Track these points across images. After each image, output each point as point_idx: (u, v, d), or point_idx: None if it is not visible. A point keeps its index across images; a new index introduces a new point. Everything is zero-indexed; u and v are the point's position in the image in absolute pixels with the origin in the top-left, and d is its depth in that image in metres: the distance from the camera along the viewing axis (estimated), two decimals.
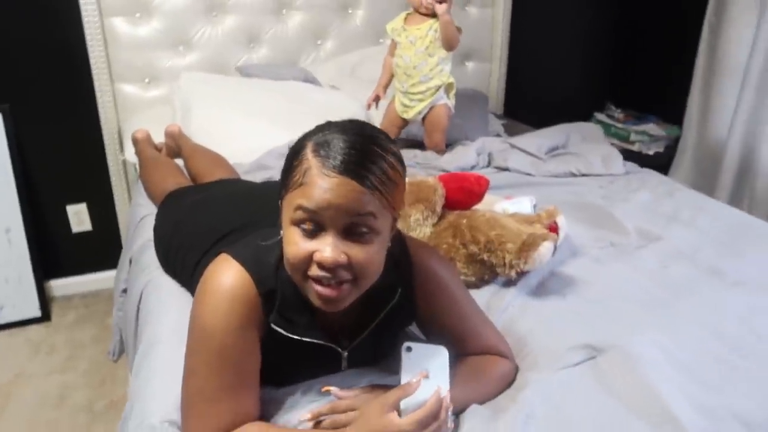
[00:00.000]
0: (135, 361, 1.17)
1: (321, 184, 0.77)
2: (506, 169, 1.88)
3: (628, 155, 2.73)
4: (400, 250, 0.94)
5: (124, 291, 1.59)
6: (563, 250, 1.37)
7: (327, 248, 0.78)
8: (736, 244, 1.43)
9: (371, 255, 0.80)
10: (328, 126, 0.83)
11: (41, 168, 2.30)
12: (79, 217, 2.45)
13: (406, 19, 2.03)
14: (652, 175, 1.91)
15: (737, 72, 2.50)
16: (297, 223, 0.79)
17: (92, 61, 2.18)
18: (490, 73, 2.82)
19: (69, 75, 2.22)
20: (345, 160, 0.77)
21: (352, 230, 0.79)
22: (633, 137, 2.87)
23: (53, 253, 2.42)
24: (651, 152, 2.88)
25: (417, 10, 1.96)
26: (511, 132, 2.39)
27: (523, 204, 1.53)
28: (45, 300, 2.35)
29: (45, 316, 2.34)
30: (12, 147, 2.19)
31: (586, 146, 2.02)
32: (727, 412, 0.90)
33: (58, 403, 1.93)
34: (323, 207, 0.77)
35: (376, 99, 2.13)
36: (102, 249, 2.47)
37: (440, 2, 1.84)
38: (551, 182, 1.82)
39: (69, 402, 1.94)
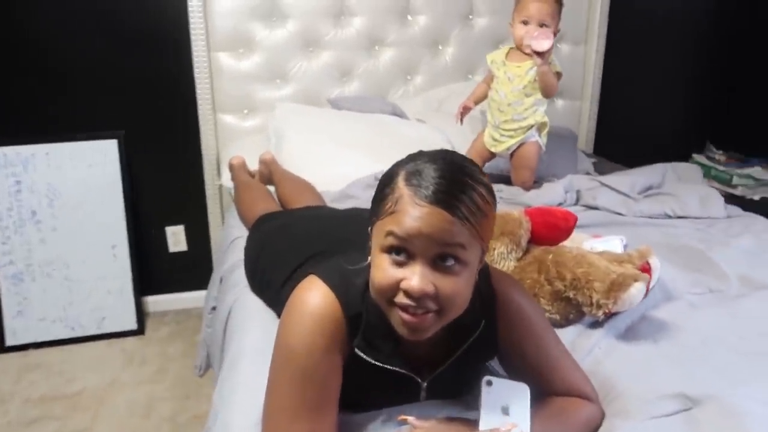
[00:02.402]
0: (220, 374, 1.22)
1: (412, 212, 0.78)
2: (595, 208, 1.82)
3: (730, 200, 2.58)
4: (484, 282, 0.93)
5: (214, 308, 1.66)
6: (656, 293, 1.30)
7: (415, 277, 0.78)
8: None
9: (459, 287, 0.80)
10: (420, 155, 0.85)
11: (146, 190, 2.47)
12: (176, 238, 2.59)
13: (507, 53, 2.02)
14: (756, 220, 1.79)
15: None
16: (387, 250, 0.81)
17: (198, 93, 2.34)
18: (581, 110, 2.77)
19: (176, 105, 2.39)
20: (436, 189, 0.78)
21: (440, 260, 0.79)
22: (735, 180, 2.72)
23: (151, 270, 2.57)
24: (756, 197, 2.70)
25: (519, 48, 1.95)
26: (601, 171, 2.32)
27: (612, 243, 1.48)
28: (141, 314, 2.49)
29: (140, 329, 2.48)
30: (124, 170, 2.38)
31: (682, 187, 1.93)
32: None
33: (146, 412, 2.02)
34: (413, 235, 0.78)
35: (465, 110, 2.12)
36: (195, 269, 2.59)
37: (539, 54, 1.81)
38: (643, 222, 1.74)
39: (155, 412, 2.02)
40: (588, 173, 2.24)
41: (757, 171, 2.74)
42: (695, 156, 2.96)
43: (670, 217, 1.79)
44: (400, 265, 0.80)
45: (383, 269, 0.80)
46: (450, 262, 0.79)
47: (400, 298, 0.80)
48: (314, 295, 0.88)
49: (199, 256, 2.59)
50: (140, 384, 2.17)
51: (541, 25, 1.84)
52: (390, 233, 0.79)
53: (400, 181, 0.81)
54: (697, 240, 1.62)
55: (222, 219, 2.51)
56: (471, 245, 0.80)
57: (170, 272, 2.62)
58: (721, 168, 2.79)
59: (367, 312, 0.88)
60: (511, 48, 2.02)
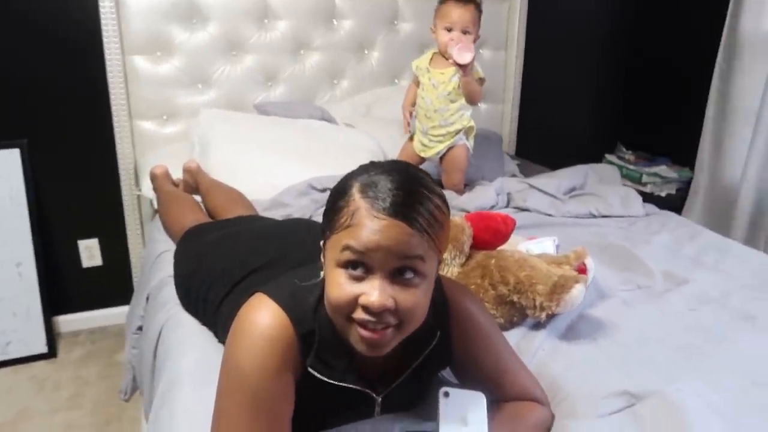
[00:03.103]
0: (154, 401, 1.14)
1: (370, 225, 0.75)
2: (526, 209, 1.87)
3: (641, 197, 2.74)
4: (437, 291, 0.92)
5: (140, 328, 1.56)
6: (590, 292, 1.35)
7: (375, 292, 0.76)
8: (765, 288, 1.41)
9: (418, 299, 0.78)
10: (372, 166, 0.82)
11: (55, 202, 2.30)
12: (90, 252, 2.43)
13: (431, 59, 2.03)
14: (671, 218, 1.91)
15: (749, 117, 2.53)
16: (343, 264, 0.78)
17: (112, 98, 2.19)
18: (503, 114, 2.85)
19: (88, 111, 2.24)
20: (394, 201, 0.75)
21: (399, 274, 0.77)
22: (645, 179, 2.88)
23: (62, 287, 2.40)
24: (663, 194, 2.89)
25: (442, 54, 1.96)
26: (525, 172, 2.39)
27: (545, 244, 1.52)
28: (52, 336, 2.31)
29: (51, 353, 2.30)
30: (28, 181, 2.19)
31: (604, 187, 2.03)
32: None
33: None
34: (372, 249, 0.75)
35: (411, 114, 2.12)
36: (112, 284, 2.45)
37: (461, 66, 1.83)
38: (571, 223, 1.81)
39: None
40: (514, 175, 2.30)
41: (663, 169, 2.92)
42: (607, 156, 3.12)
43: (594, 216, 1.86)
44: (357, 279, 0.77)
45: (340, 285, 0.77)
46: (409, 275, 0.77)
47: (359, 314, 0.77)
48: (264, 315, 0.83)
49: (116, 271, 2.44)
50: (54, 412, 2.01)
51: (464, 32, 1.87)
52: (347, 247, 0.76)
53: (356, 194, 0.78)
54: (621, 238, 1.70)
55: (142, 231, 2.37)
56: (429, 257, 0.78)
57: (84, 289, 2.45)
58: (632, 167, 2.95)
59: (319, 329, 0.85)
60: (434, 53, 2.03)
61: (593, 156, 2.99)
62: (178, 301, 1.37)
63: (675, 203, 2.86)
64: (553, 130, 3.05)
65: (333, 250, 0.79)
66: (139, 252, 2.37)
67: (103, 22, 2.11)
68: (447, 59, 1.92)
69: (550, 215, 1.84)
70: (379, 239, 0.75)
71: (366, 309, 0.76)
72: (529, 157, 2.73)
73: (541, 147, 2.95)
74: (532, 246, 1.49)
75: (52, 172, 2.27)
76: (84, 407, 2.04)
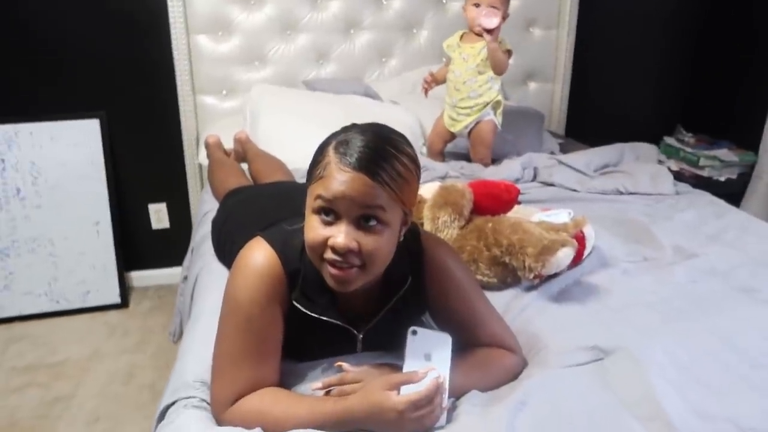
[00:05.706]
0: (185, 333, 1.31)
1: (338, 177, 0.87)
2: (551, 185, 1.91)
3: (698, 180, 2.66)
4: (415, 243, 1.02)
5: (186, 278, 1.75)
6: (592, 260, 1.39)
7: (340, 235, 0.87)
8: None
9: (379, 244, 0.89)
10: (352, 127, 0.93)
11: (129, 169, 2.55)
12: (158, 215, 2.67)
13: (462, 36, 2.11)
14: (702, 196, 1.88)
15: None
16: (317, 211, 0.89)
17: (177, 74, 2.41)
18: (553, 93, 2.84)
19: (156, 86, 2.46)
20: (360, 157, 0.86)
21: (364, 221, 0.88)
22: (702, 162, 2.79)
23: (134, 246, 2.65)
24: (722, 178, 2.79)
25: (471, 30, 2.04)
26: (566, 151, 2.38)
27: (560, 216, 1.56)
28: (124, 289, 2.58)
29: (123, 303, 2.57)
30: (106, 148, 2.45)
31: (636, 165, 2.01)
32: (725, 417, 0.91)
33: (127, 380, 2.12)
34: (338, 197, 0.86)
35: (429, 79, 2.19)
36: (177, 246, 2.63)
37: (488, 31, 1.91)
38: (596, 198, 1.82)
39: (136, 380, 2.12)
40: (552, 152, 2.31)
41: (723, 153, 2.81)
42: (666, 138, 3.04)
43: (621, 193, 1.87)
44: (328, 224, 0.89)
45: (314, 228, 0.90)
46: (372, 222, 0.88)
47: (329, 254, 0.89)
48: (258, 254, 0.97)
49: (181, 233, 2.64)
50: (122, 354, 2.26)
51: (492, 8, 1.92)
52: (319, 196, 0.88)
53: (330, 150, 0.90)
54: (643, 214, 1.71)
55: None
56: (391, 207, 0.89)
57: (153, 248, 2.70)
58: (689, 150, 2.86)
59: (304, 268, 0.97)
60: (464, 32, 2.11)
61: (651, 137, 2.90)
62: (213, 253, 1.54)
63: (736, 188, 2.75)
64: (608, 110, 3.00)
65: (310, 198, 0.91)
66: None
67: (170, 3, 2.31)
68: (476, 35, 1.99)
69: (575, 191, 1.86)
70: (345, 189, 0.86)
71: (334, 250, 0.88)
72: (581, 138, 2.70)
73: (594, 128, 2.90)
74: (545, 216, 1.54)
75: (126, 140, 2.51)
76: (147, 352, 2.28)
